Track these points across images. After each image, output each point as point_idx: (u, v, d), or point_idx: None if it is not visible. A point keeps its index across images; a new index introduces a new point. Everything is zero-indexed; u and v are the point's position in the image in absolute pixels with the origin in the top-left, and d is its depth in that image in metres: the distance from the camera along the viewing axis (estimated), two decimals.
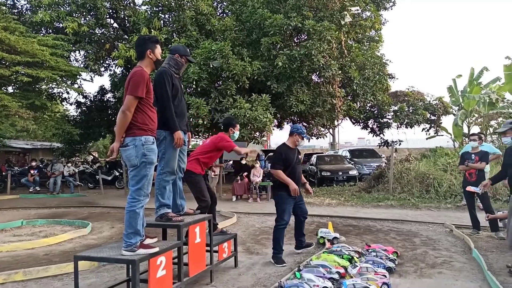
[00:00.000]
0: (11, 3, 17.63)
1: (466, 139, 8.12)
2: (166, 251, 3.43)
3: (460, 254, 5.08)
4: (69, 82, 15.95)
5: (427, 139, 20.44)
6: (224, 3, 16.02)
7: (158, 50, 3.33)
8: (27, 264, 5.03)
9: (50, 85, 15.16)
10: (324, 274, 4.03)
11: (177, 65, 3.90)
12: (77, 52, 16.92)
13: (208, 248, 4.23)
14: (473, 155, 6.36)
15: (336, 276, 4.06)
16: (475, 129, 18.45)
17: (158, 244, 3.47)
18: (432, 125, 18.78)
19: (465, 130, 19.61)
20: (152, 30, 12.74)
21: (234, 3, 14.61)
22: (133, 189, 3.22)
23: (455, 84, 20.96)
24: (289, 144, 5.02)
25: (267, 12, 12.61)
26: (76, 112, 20.37)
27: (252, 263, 4.91)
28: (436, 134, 19.71)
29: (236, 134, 4.82)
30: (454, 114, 19.55)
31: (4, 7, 16.03)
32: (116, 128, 3.16)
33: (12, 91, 14.39)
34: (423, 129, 19.00)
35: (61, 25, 13.77)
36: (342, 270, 4.20)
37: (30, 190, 14.20)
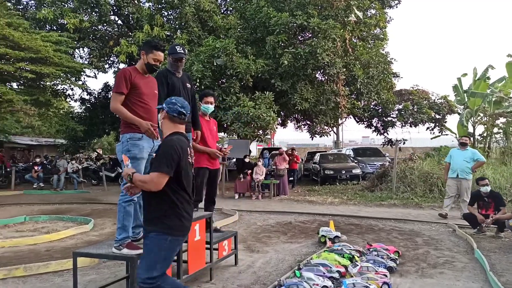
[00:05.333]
0: None
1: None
2: None
3: (463, 254, 5.03)
4: (73, 79, 16.00)
5: (431, 138, 20.31)
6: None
7: (153, 55, 3.35)
8: (28, 259, 5.04)
9: (55, 81, 15.22)
10: (324, 273, 4.00)
11: (170, 65, 4.08)
12: (82, 49, 17.01)
13: (208, 246, 4.21)
14: (485, 198, 6.26)
15: (336, 275, 4.03)
16: (480, 129, 18.30)
17: None
18: (437, 124, 18.67)
19: (470, 129, 19.45)
20: (155, 26, 12.74)
21: (238, 1, 14.57)
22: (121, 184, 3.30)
23: (460, 83, 20.75)
24: None
25: (272, 11, 12.57)
26: (81, 108, 20.46)
27: (253, 261, 4.89)
28: (440, 134, 19.57)
29: (206, 107, 4.64)
30: (459, 113, 19.39)
31: (9, 4, 16.10)
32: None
33: (16, 87, 14.47)
34: (428, 128, 18.89)
35: (64, 21, 13.84)
36: (342, 269, 4.16)
37: (34, 186, 14.26)
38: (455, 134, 19.59)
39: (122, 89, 3.23)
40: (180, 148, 2.55)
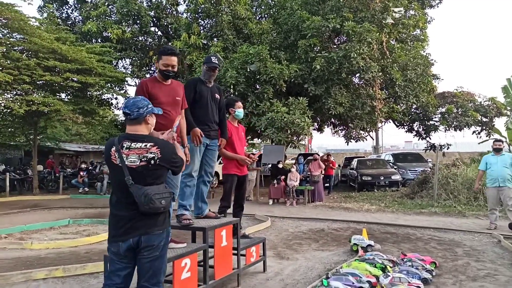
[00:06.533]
0: (66, 15, 19.00)
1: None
2: (191, 253, 3.47)
3: (507, 267, 4.69)
4: (117, 88, 16.78)
5: (479, 143, 19.21)
6: (262, 7, 16.13)
7: (162, 61, 3.33)
8: (69, 261, 5.30)
9: (100, 91, 16.02)
10: (353, 283, 3.88)
11: (204, 73, 4.15)
12: (124, 60, 17.82)
13: (236, 252, 4.23)
14: None
15: (366, 286, 3.90)
16: None
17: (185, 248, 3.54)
18: (484, 127, 17.64)
19: None
20: (192, 35, 13.08)
21: (272, 7, 14.67)
22: None
23: (510, 84, 19.51)
24: None
25: (305, 14, 12.50)
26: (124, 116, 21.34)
27: (281, 268, 4.84)
28: (488, 138, 18.45)
29: (239, 111, 4.70)
30: (508, 116, 18.20)
31: (59, 19, 17.24)
32: None
33: (65, 97, 15.40)
34: (474, 132, 17.89)
35: (109, 34, 14.61)
36: (373, 280, 4.02)
37: (80, 191, 15.04)
38: (505, 138, 18.40)
39: None
40: (105, 150, 2.57)
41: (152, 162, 2.47)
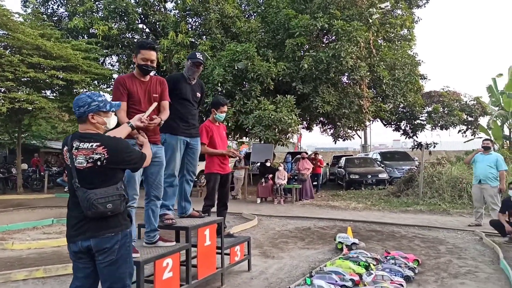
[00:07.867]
0: (51, 11, 18.66)
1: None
2: (173, 253, 3.43)
3: (487, 264, 4.77)
4: (104, 86, 16.56)
5: (465, 142, 19.52)
6: (251, 5, 16.09)
7: (141, 55, 3.16)
8: (51, 261, 5.21)
9: (87, 88, 15.78)
10: (336, 281, 3.89)
11: (187, 69, 4.06)
12: (111, 57, 17.59)
13: (220, 251, 4.20)
14: None
15: (349, 284, 3.92)
16: None
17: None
18: (469, 126, 17.92)
19: (506, 132, 18.56)
20: (179, 33, 12.98)
21: (260, 5, 14.64)
22: None
23: (495, 84, 19.84)
24: None
25: (292, 11, 12.49)
26: None
27: (266, 267, 4.84)
28: (473, 137, 18.74)
29: (220, 116, 4.66)
30: (491, 115, 18.52)
31: (44, 15, 16.93)
32: None
33: (50, 94, 15.14)
34: (459, 131, 18.17)
35: (95, 30, 14.41)
36: (356, 278, 4.04)
37: (65, 190, 14.81)
38: (490, 136, 18.71)
39: (120, 98, 3.13)
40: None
41: (99, 163, 2.29)
